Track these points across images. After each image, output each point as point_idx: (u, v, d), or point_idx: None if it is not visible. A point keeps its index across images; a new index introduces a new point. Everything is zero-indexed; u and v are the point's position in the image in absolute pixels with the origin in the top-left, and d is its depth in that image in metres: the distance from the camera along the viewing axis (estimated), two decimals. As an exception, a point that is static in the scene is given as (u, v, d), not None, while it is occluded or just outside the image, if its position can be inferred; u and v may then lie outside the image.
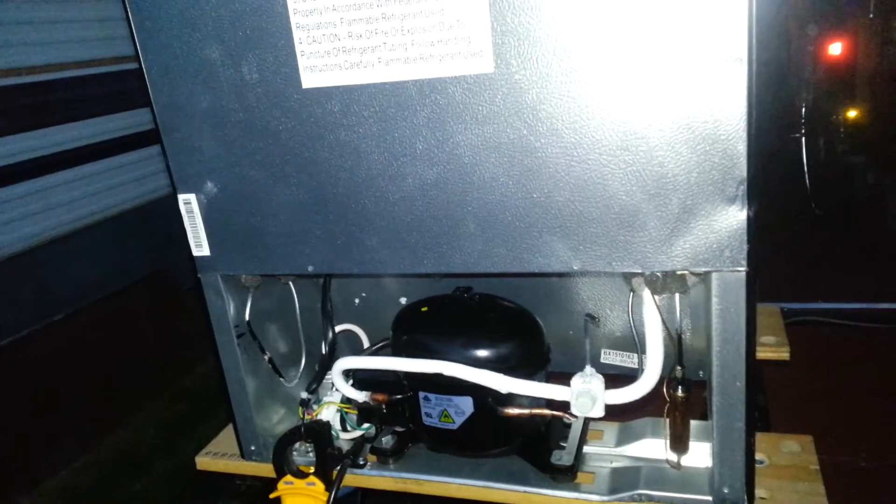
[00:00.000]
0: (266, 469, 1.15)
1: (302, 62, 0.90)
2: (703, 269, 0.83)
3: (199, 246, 1.04)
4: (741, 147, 0.77)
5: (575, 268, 0.88)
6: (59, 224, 3.55)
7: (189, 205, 1.02)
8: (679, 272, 0.86)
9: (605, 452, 1.07)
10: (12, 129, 3.26)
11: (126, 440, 3.30)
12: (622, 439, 1.09)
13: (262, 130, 0.95)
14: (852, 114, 4.12)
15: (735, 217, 0.80)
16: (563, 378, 1.01)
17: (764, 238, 0.83)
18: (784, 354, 1.29)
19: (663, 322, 0.91)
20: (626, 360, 1.16)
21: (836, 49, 3.83)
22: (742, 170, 0.78)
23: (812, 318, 2.94)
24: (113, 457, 3.19)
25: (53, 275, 3.56)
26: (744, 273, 0.81)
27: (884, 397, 2.57)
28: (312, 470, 1.10)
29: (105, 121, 3.76)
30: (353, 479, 1.12)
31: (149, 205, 3.74)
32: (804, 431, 1.08)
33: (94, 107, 3.72)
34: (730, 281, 0.82)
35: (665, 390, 0.94)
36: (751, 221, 0.80)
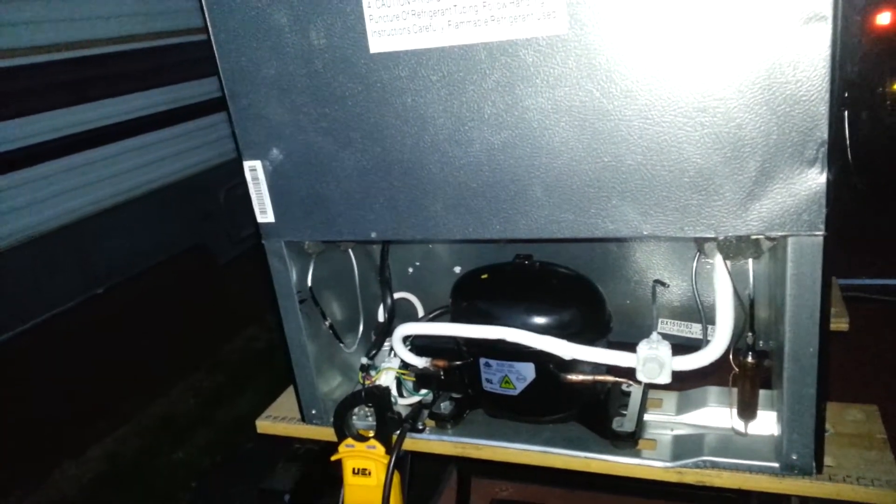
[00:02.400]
0: (326, 433, 1.17)
1: (370, 26, 0.90)
2: (780, 234, 0.82)
3: (264, 212, 1.06)
4: (823, 108, 0.76)
5: (645, 233, 0.87)
6: (100, 199, 3.61)
7: (255, 171, 1.04)
8: (754, 237, 0.85)
9: (665, 420, 1.07)
10: (53, 104, 3.30)
11: (166, 410, 3.39)
12: (682, 407, 1.09)
13: (329, 96, 0.95)
14: (900, 86, 3.99)
15: (814, 180, 0.78)
16: (618, 348, 1.01)
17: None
18: (843, 325, 1.27)
19: (734, 288, 0.91)
20: (683, 329, 1.16)
21: (884, 18, 3.70)
22: (823, 131, 0.77)
23: (854, 293, 2.89)
24: (154, 426, 3.28)
25: (94, 249, 3.62)
26: (821, 237, 0.80)
27: (931, 374, 2.53)
28: (372, 434, 1.12)
29: (143, 97, 3.79)
30: (413, 443, 1.14)
31: (186, 180, 3.79)
32: (852, 402, 1.07)
33: (133, 83, 3.76)
34: (806, 245, 0.81)
35: (732, 358, 0.94)
36: (830, 184, 0.78)
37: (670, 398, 1.11)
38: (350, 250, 1.21)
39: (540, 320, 1.00)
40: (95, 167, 3.59)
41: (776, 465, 0.93)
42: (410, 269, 1.35)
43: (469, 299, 1.08)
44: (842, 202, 0.80)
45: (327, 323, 1.17)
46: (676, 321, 1.17)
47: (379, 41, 0.90)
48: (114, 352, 3.33)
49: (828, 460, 0.94)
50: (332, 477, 1.18)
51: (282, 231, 1.07)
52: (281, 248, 1.08)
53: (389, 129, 0.95)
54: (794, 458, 0.91)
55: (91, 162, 3.57)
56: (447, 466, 2.04)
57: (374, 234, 1.02)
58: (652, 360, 0.93)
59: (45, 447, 2.96)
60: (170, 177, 3.90)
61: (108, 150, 3.63)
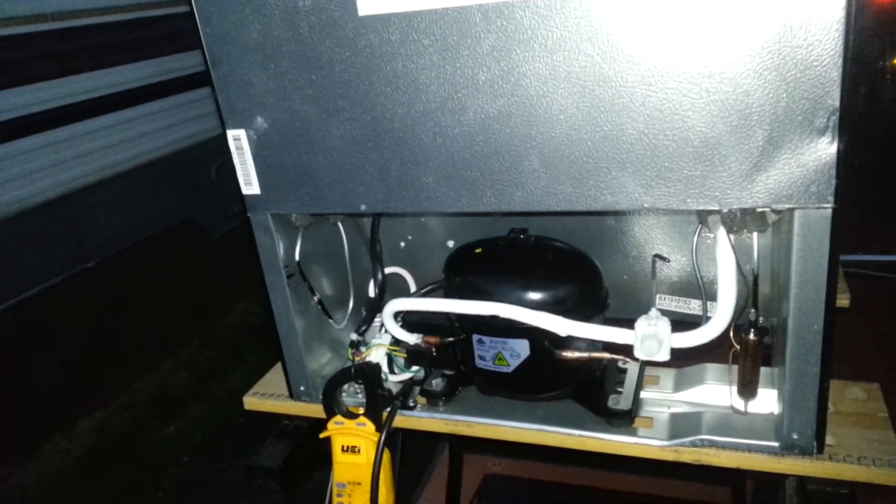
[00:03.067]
0: (314, 409, 1.14)
1: (358, -14, 0.85)
2: (787, 206, 0.78)
3: (249, 184, 1.02)
4: (835, 74, 0.72)
5: (646, 206, 0.84)
6: (89, 172, 3.54)
7: (238, 141, 0.99)
8: (759, 209, 0.81)
9: (662, 398, 1.05)
10: (40, 76, 3.22)
11: (158, 384, 3.37)
12: (680, 385, 1.06)
13: (315, 62, 0.91)
14: (899, 60, 3.95)
15: (824, 150, 0.75)
16: (616, 325, 0.98)
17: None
18: (844, 301, 1.25)
19: (737, 262, 0.88)
20: (682, 305, 1.13)
21: (886, -9, 3.64)
22: (835, 99, 0.73)
23: (852, 269, 2.87)
24: (146, 400, 3.27)
25: (84, 223, 3.57)
26: (830, 210, 0.77)
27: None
28: (362, 411, 1.09)
29: (132, 69, 3.71)
30: (404, 420, 1.11)
31: (177, 154, 3.72)
32: (853, 380, 1.05)
33: (121, 54, 3.67)
34: (814, 219, 0.78)
35: (733, 334, 0.91)
36: (840, 155, 0.75)
37: (668, 375, 1.09)
38: (339, 223, 1.18)
39: (534, 296, 0.97)
40: (84, 140, 3.52)
41: (776, 444, 0.91)
42: (402, 244, 1.31)
43: (462, 274, 1.05)
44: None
45: (316, 298, 1.14)
46: (675, 297, 1.14)
47: (368, 3, 0.85)
48: (104, 326, 3.29)
49: (828, 439, 0.91)
50: (321, 454, 1.16)
51: (268, 203, 1.03)
52: (267, 220, 1.04)
53: (379, 97, 0.90)
54: (795, 437, 0.89)
55: (79, 135, 3.50)
56: (439, 444, 2.03)
57: (363, 207, 0.98)
58: (650, 336, 0.90)
59: (35, 422, 2.94)
60: (160, 150, 3.83)
61: (96, 123, 3.55)
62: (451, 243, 1.26)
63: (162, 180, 3.74)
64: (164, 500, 2.68)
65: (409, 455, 2.06)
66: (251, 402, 1.23)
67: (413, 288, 1.28)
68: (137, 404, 3.26)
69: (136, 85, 3.76)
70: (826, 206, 0.77)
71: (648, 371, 1.09)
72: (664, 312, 1.11)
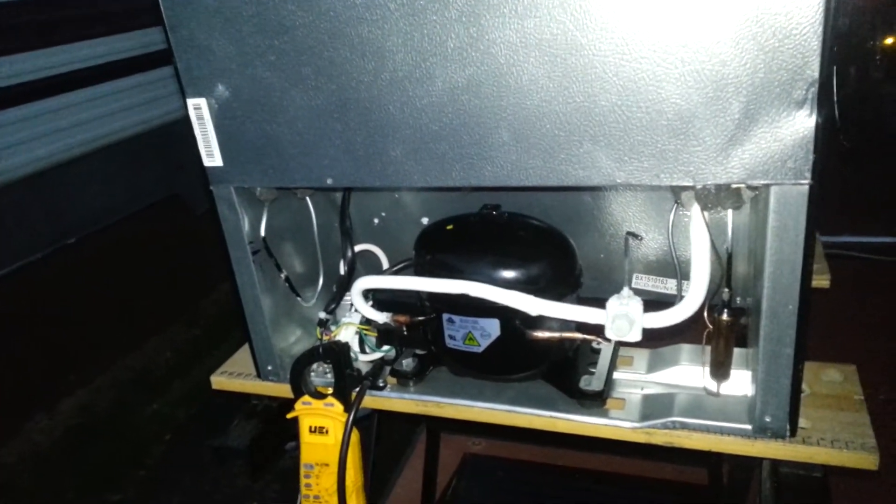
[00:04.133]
0: (283, 389, 1.12)
1: (321, -54, 0.81)
2: (762, 182, 0.75)
3: (211, 155, 0.98)
4: (815, 43, 0.69)
5: (618, 181, 0.81)
6: (70, 147, 3.47)
7: (199, 110, 0.95)
8: (735, 185, 0.79)
9: (635, 379, 1.03)
10: (18, 47, 3.14)
11: (142, 363, 3.34)
12: (653, 366, 1.04)
13: (277, 27, 0.86)
14: (890, 41, 3.90)
15: (802, 123, 0.72)
16: (591, 304, 0.95)
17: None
18: (824, 282, 1.23)
19: (711, 241, 0.85)
20: (658, 284, 1.11)
21: (879, -31, 3.59)
22: (814, 69, 0.70)
23: (838, 251, 2.86)
24: (129, 378, 3.23)
25: (65, 198, 3.51)
26: (807, 186, 0.74)
27: (907, 333, 2.53)
28: (331, 391, 1.07)
29: (115, 40, 3.62)
30: (373, 401, 1.09)
31: (161, 128, 3.65)
32: (830, 362, 1.03)
33: (104, 26, 3.58)
34: (791, 195, 0.75)
35: (707, 314, 0.89)
36: (819, 129, 0.72)
37: (641, 356, 1.07)
38: (308, 198, 1.14)
39: (505, 274, 0.94)
40: (64, 113, 3.44)
41: (748, 427, 0.89)
42: (376, 220, 1.28)
43: (432, 252, 1.02)
44: (826, 158, 0.74)
45: (283, 275, 1.11)
46: (652, 276, 1.11)
47: (331, -36, 0.81)
48: (87, 304, 3.25)
49: (802, 422, 0.90)
50: (291, 435, 1.13)
51: (231, 176, 0.99)
52: (230, 194, 1.01)
53: (344, 65, 0.86)
54: (768, 420, 0.87)
55: (60, 108, 3.42)
56: (420, 424, 2.02)
57: (329, 181, 0.95)
58: (621, 316, 0.87)
59: (16, 399, 2.91)
60: (143, 125, 3.75)
61: (77, 96, 3.47)
62: (425, 220, 1.23)
63: (145, 155, 3.67)
64: (146, 477, 2.67)
65: (390, 435, 2.06)
66: (219, 381, 1.20)
67: (386, 265, 1.25)
68: (121, 382, 3.23)
69: (119, 57, 3.67)
70: (803, 182, 0.74)
71: (622, 351, 1.07)
72: (641, 292, 1.09)
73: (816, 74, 0.70)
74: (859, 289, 2.66)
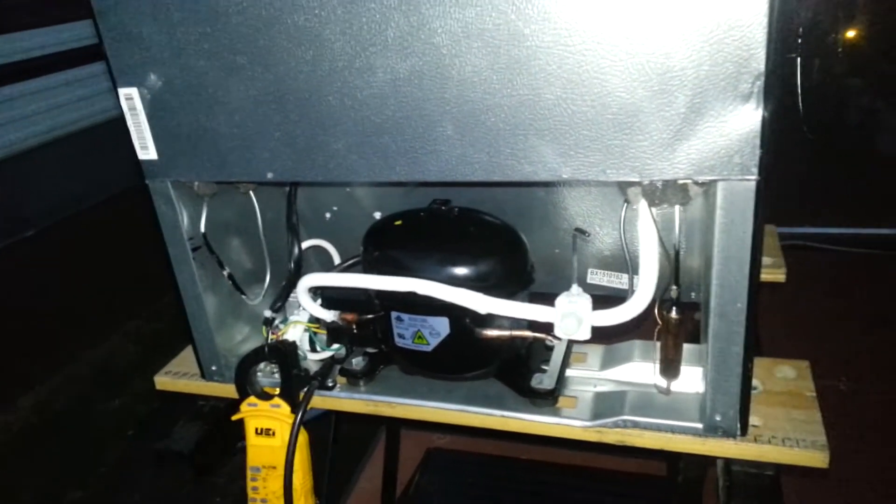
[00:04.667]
0: (229, 390, 1.08)
1: (253, -71, 0.77)
2: (709, 178, 0.73)
3: (145, 148, 0.93)
4: (760, 35, 0.67)
5: (564, 176, 0.78)
6: (31, 136, 3.37)
7: (131, 100, 0.91)
8: (681, 181, 0.77)
9: (588, 376, 1.01)
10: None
11: (103, 358, 3.26)
12: (607, 362, 1.03)
13: (209, 13, 0.82)
14: (851, 34, 3.94)
15: (748, 118, 0.70)
16: (548, 299, 0.93)
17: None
18: (780, 276, 1.23)
19: (659, 237, 0.83)
20: (614, 280, 1.09)
21: (842, -39, 3.61)
22: (760, 62, 0.68)
23: (801, 242, 2.89)
24: (90, 374, 3.16)
25: (23, 189, 3.41)
26: (754, 182, 0.72)
27: (870, 322, 2.56)
28: (278, 392, 1.03)
29: (78, 27, 3.51)
30: (322, 401, 1.06)
31: (121, 118, 3.55)
32: (788, 356, 1.02)
33: (67, 11, 3.47)
34: (738, 191, 0.73)
35: (657, 312, 0.87)
36: (766, 123, 0.70)
37: (595, 352, 1.05)
38: (252, 192, 1.10)
39: (454, 271, 0.92)
40: (25, 101, 3.33)
41: (699, 425, 0.88)
42: (328, 215, 1.24)
43: (380, 247, 0.99)
44: (774, 154, 0.72)
45: (226, 272, 1.07)
46: (607, 271, 1.09)
47: (264, -53, 0.77)
48: (47, 297, 3.17)
49: (754, 419, 0.89)
50: (240, 436, 1.10)
51: (166, 170, 0.94)
52: (167, 189, 0.96)
53: (281, 54, 0.82)
54: (718, 419, 0.86)
55: (21, 95, 3.31)
56: (381, 423, 2.00)
57: (270, 175, 0.91)
58: (570, 315, 0.85)
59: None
60: (107, 112, 3.64)
61: (39, 83, 3.36)
62: (378, 215, 1.20)
63: (108, 144, 3.57)
64: (106, 475, 2.61)
65: (351, 432, 2.03)
66: (163, 381, 1.16)
67: (338, 261, 1.21)
68: (82, 377, 3.15)
69: (80, 45, 3.57)
70: (750, 178, 0.72)
71: (576, 348, 1.05)
72: (596, 287, 1.08)
73: (763, 67, 0.68)
74: (819, 280, 2.69)
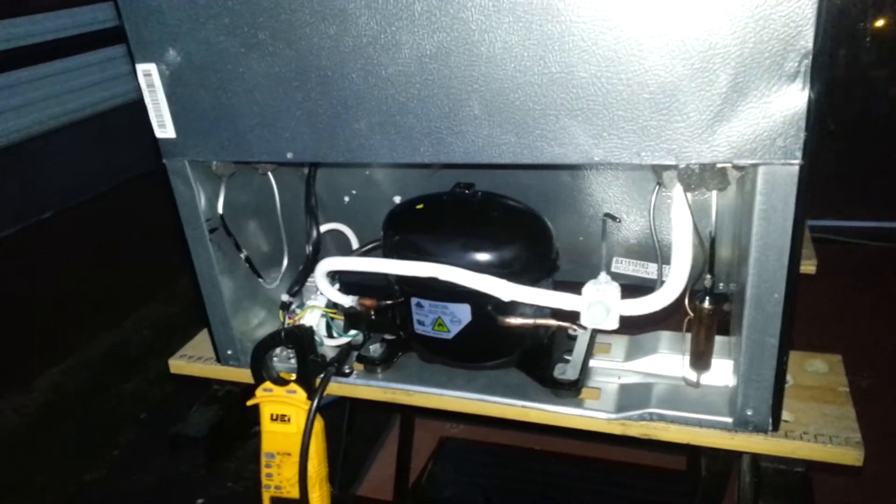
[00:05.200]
0: (244, 375, 1.06)
1: None
2: (750, 162, 0.70)
3: (163, 126, 0.91)
4: (809, 11, 0.63)
5: (597, 159, 0.75)
6: (45, 119, 3.36)
7: (149, 77, 0.88)
8: (720, 165, 0.73)
9: (612, 367, 0.98)
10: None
11: (118, 341, 3.27)
12: (631, 353, 1.00)
13: (231, -15, 0.80)
14: (881, 23, 3.85)
15: (794, 99, 0.66)
16: (570, 288, 0.91)
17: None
18: (811, 268, 1.19)
19: (694, 224, 0.80)
20: (639, 269, 1.06)
21: (872, -52, 3.53)
22: (808, 40, 0.64)
23: (823, 235, 2.83)
24: (105, 356, 3.17)
25: (40, 172, 3.41)
26: (797, 167, 0.69)
27: (890, 317, 2.51)
28: (293, 377, 1.01)
29: (91, 11, 3.50)
30: (338, 388, 1.04)
31: (138, 102, 3.54)
32: (811, 349, 0.99)
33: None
34: (780, 176, 0.70)
35: (688, 302, 0.84)
36: (812, 105, 0.66)
37: (619, 343, 1.02)
38: (270, 174, 1.08)
39: (477, 257, 0.89)
40: (40, 84, 3.32)
41: (729, 419, 0.85)
42: (346, 198, 1.21)
43: (401, 232, 0.96)
44: (818, 137, 0.68)
45: (243, 255, 1.04)
46: (632, 260, 1.06)
47: (287, -84, 0.74)
48: (63, 280, 3.18)
49: (785, 415, 0.85)
50: (254, 421, 1.08)
51: (184, 149, 0.92)
52: (185, 168, 0.94)
53: (304, 29, 0.80)
54: (750, 413, 0.83)
55: (35, 79, 3.30)
56: (395, 411, 1.98)
57: (290, 155, 0.88)
58: (598, 303, 0.82)
59: (-11, 378, 2.85)
60: (121, 97, 3.63)
61: (53, 67, 3.35)
62: (398, 199, 1.17)
63: (123, 129, 3.57)
64: (119, 457, 2.62)
65: (365, 419, 2.01)
66: (178, 365, 1.15)
67: (356, 245, 1.19)
68: (96, 361, 3.17)
69: (95, 28, 3.55)
70: (794, 162, 0.69)
71: (600, 339, 1.02)
72: (620, 276, 1.05)
73: (810, 45, 0.64)
74: (843, 274, 2.64)
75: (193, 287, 1.04)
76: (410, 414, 1.78)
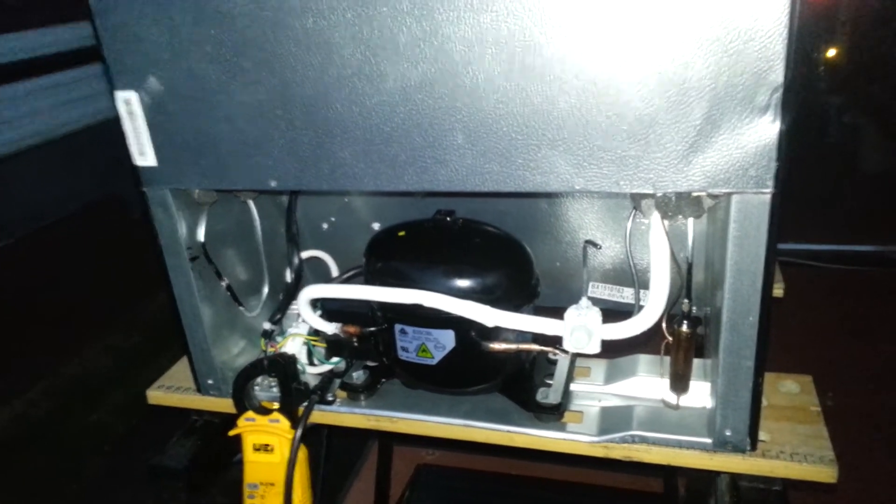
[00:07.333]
0: (225, 404, 1.05)
1: (263, -69, 0.75)
2: (724, 190, 0.73)
3: (143, 154, 0.91)
4: (779, 47, 0.66)
5: (577, 187, 0.77)
6: (2, 143, 3.29)
7: (129, 105, 0.88)
8: (695, 193, 0.76)
9: (593, 390, 1.00)
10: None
11: (81, 371, 3.18)
12: (611, 377, 1.01)
13: (213, 14, 0.80)
14: (832, 52, 4.02)
15: (765, 130, 0.69)
16: (548, 313, 0.92)
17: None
18: (779, 291, 1.22)
19: (671, 250, 0.82)
20: (614, 293, 1.08)
21: (821, -19, 3.70)
22: (778, 74, 0.67)
23: (783, 258, 2.91)
24: (67, 387, 3.08)
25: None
26: (769, 195, 0.72)
27: (851, 338, 2.59)
28: (276, 406, 1.00)
29: (52, 32, 3.44)
30: (322, 416, 1.03)
31: (100, 125, 3.49)
32: (781, 371, 1.02)
33: (42, 15, 3.39)
34: (752, 204, 0.73)
35: (665, 325, 0.86)
36: (783, 136, 0.69)
37: (599, 366, 1.04)
38: (250, 202, 1.07)
39: (460, 283, 0.90)
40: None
41: (709, 440, 0.87)
42: (325, 225, 1.22)
43: (383, 259, 0.97)
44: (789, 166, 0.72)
45: (224, 283, 1.04)
46: (608, 285, 1.08)
47: (274, -50, 0.76)
48: (21, 309, 3.08)
49: (762, 435, 0.88)
50: (235, 451, 1.07)
51: (165, 177, 0.92)
52: (166, 196, 0.94)
53: (288, 58, 0.81)
54: (728, 434, 0.85)
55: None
56: (370, 438, 1.96)
57: (273, 184, 0.89)
58: (580, 328, 0.84)
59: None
60: (81, 121, 3.57)
61: (9, 91, 3.29)
62: (376, 225, 1.18)
63: (82, 153, 3.50)
64: (83, 491, 2.54)
65: (342, 446, 1.99)
66: (156, 395, 1.13)
67: (335, 272, 1.19)
68: (58, 391, 3.07)
69: (56, 50, 3.50)
70: (765, 191, 0.72)
71: (579, 362, 1.04)
72: (597, 301, 1.07)
73: (781, 79, 0.67)
74: (810, 297, 2.72)
75: (173, 316, 1.02)
76: (389, 442, 1.76)
